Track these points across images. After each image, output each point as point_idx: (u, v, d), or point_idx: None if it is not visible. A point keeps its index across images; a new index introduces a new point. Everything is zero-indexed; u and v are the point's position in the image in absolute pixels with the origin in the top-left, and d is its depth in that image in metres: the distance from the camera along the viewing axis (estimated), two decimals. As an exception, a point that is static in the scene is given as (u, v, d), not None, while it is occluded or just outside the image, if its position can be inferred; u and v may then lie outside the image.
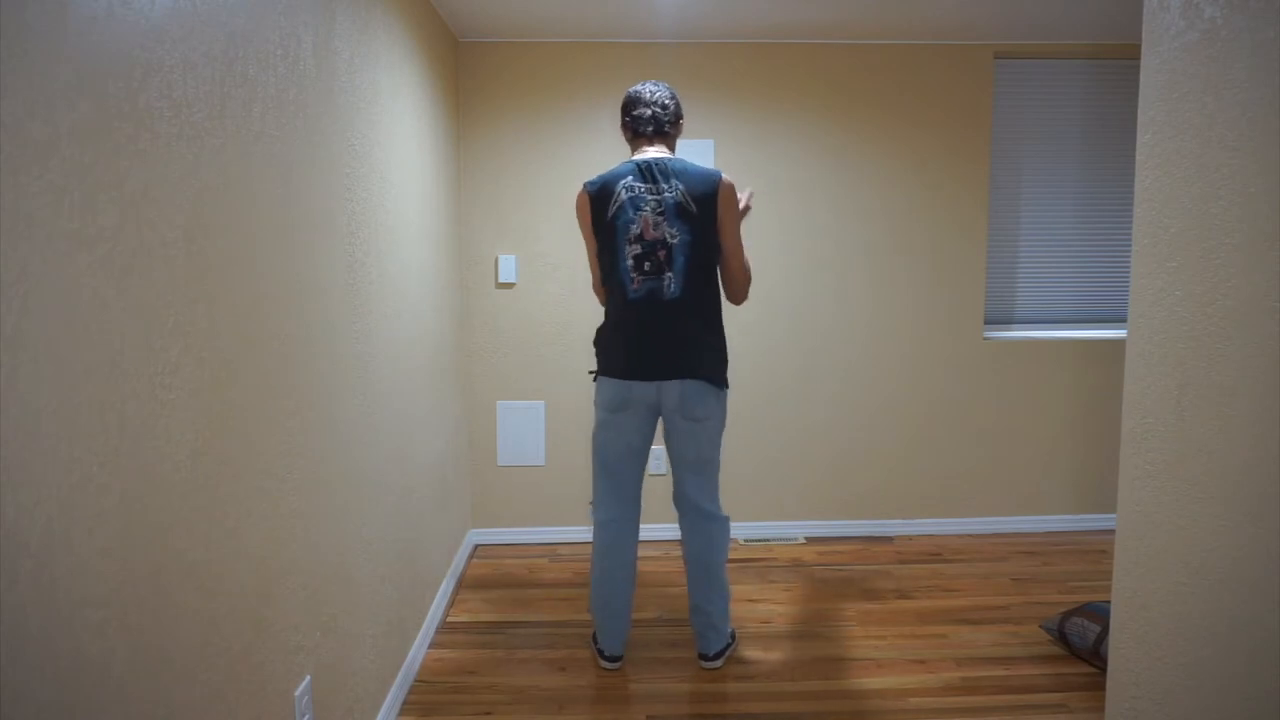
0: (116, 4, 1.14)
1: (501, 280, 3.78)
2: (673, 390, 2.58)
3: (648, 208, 2.55)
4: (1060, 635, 2.81)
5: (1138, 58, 1.54)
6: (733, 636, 2.85)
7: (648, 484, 3.84)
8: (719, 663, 2.74)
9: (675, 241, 2.54)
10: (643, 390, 2.60)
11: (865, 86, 3.78)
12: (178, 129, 1.29)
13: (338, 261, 2.04)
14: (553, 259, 3.79)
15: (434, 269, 3.14)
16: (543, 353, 3.84)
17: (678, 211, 2.54)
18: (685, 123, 3.80)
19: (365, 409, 2.25)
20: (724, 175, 2.57)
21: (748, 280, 2.68)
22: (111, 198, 1.13)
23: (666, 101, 2.63)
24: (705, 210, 2.54)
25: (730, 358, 3.84)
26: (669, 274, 2.55)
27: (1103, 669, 2.65)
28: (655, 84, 2.66)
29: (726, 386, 2.65)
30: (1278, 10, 1.23)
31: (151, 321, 1.23)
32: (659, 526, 3.84)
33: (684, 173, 2.56)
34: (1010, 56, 3.83)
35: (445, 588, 3.25)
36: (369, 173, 2.31)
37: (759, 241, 3.82)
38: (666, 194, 2.55)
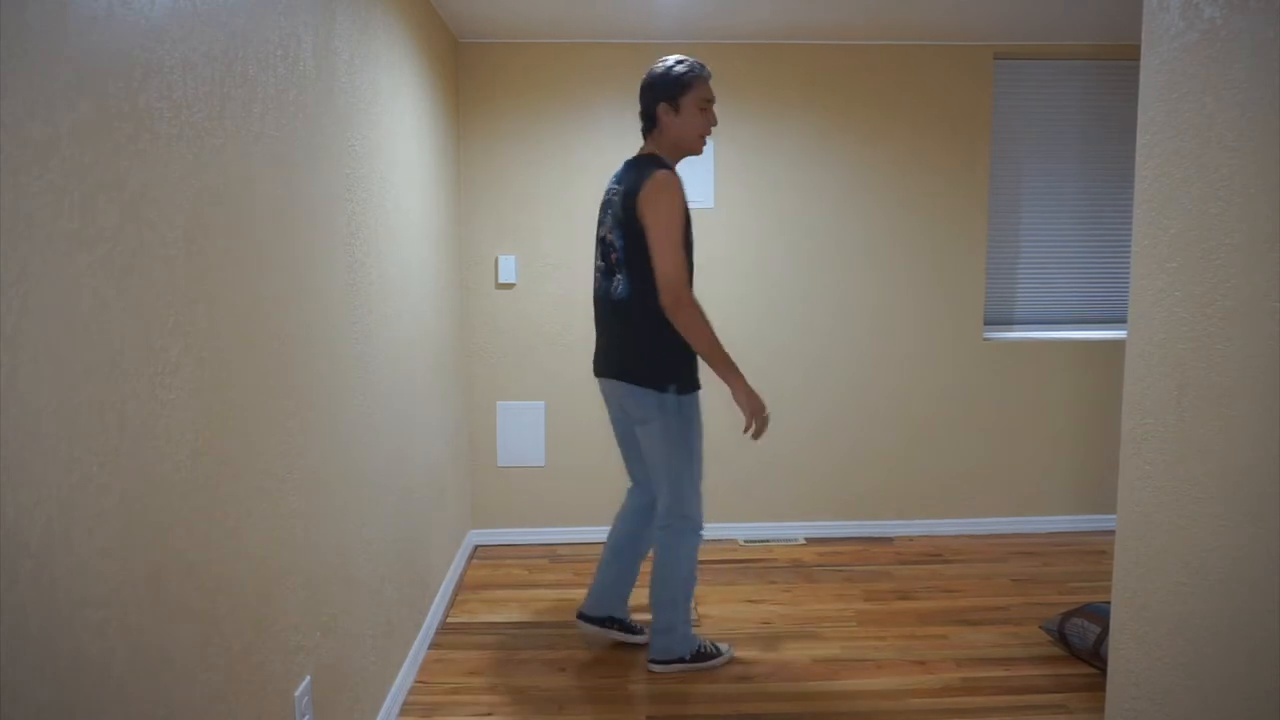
0: (116, 4, 1.14)
1: (501, 280, 3.78)
2: (613, 389, 2.64)
3: (609, 208, 2.58)
4: (1060, 636, 2.81)
5: (1138, 58, 1.54)
6: (697, 655, 2.73)
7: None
8: (658, 669, 2.71)
9: (619, 244, 2.53)
10: (603, 385, 2.71)
11: (865, 87, 3.78)
12: (178, 129, 1.29)
13: (338, 261, 2.04)
14: (553, 259, 3.79)
15: (434, 269, 3.14)
16: (543, 353, 3.83)
17: (616, 215, 2.53)
18: None
19: (365, 409, 2.25)
20: (657, 173, 2.43)
21: (670, 287, 2.40)
22: (111, 198, 1.13)
23: (640, 100, 2.59)
24: (630, 213, 2.47)
25: (731, 358, 3.84)
26: (619, 275, 2.55)
27: (1103, 669, 2.65)
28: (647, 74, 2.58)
29: (669, 391, 2.51)
30: (1278, 10, 1.23)
31: (151, 321, 1.23)
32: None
33: (628, 174, 2.53)
34: (1010, 57, 3.83)
35: (445, 588, 3.25)
36: (369, 173, 2.31)
37: (759, 241, 3.82)
38: (614, 196, 2.56)
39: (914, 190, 3.83)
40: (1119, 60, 3.86)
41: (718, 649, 2.77)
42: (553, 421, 3.87)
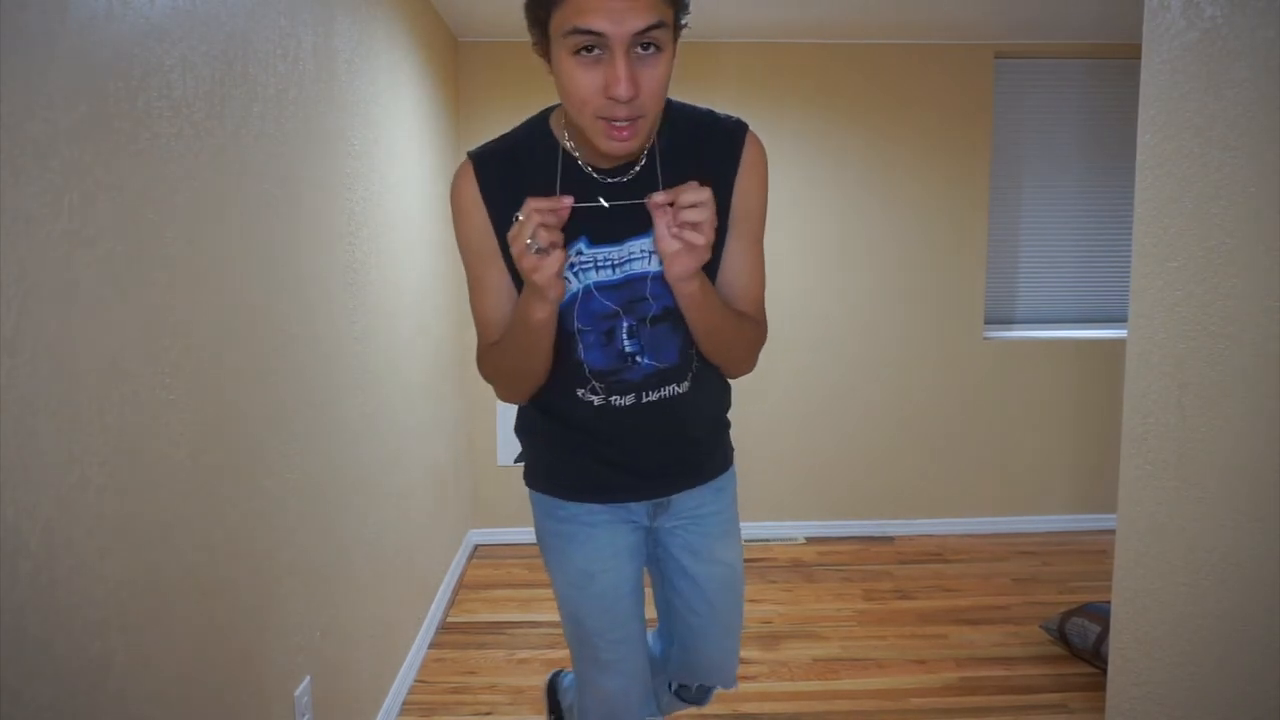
0: (116, 4, 1.14)
1: (501, 280, 3.77)
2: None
3: None
4: (1060, 635, 2.81)
5: (1138, 58, 1.53)
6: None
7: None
8: None
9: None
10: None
11: (866, 86, 3.77)
12: (177, 129, 1.29)
13: (338, 261, 2.04)
14: (553, 259, 3.78)
15: (433, 269, 3.14)
16: (543, 353, 3.83)
17: None
18: None
19: (365, 409, 2.25)
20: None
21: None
22: (111, 198, 1.13)
23: None
24: None
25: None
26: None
27: (1103, 669, 2.65)
28: None
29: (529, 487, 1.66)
30: (1278, 10, 1.23)
31: (151, 321, 1.23)
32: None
33: None
34: (1010, 56, 3.83)
35: (445, 587, 3.25)
36: (369, 172, 2.31)
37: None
38: None
39: (914, 189, 3.83)
40: (1119, 59, 3.86)
41: None
42: (553, 421, 3.86)
